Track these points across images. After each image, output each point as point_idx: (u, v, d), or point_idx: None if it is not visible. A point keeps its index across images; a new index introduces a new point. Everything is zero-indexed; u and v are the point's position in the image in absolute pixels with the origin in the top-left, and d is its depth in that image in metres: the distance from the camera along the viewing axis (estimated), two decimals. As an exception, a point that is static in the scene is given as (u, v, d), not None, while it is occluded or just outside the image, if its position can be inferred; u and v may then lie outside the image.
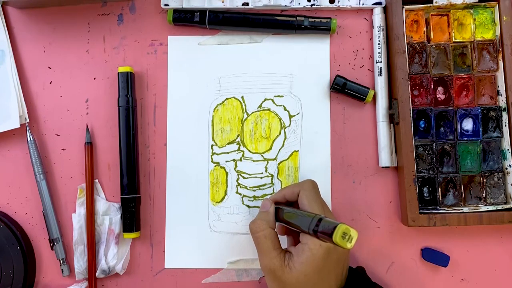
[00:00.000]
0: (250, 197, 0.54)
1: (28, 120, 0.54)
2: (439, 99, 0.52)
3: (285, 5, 0.54)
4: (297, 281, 0.42)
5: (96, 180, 0.54)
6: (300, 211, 0.44)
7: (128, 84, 0.53)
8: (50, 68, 0.55)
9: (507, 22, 0.52)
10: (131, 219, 0.52)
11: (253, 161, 0.54)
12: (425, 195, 0.52)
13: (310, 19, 0.53)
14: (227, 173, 0.54)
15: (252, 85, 0.55)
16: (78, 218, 0.53)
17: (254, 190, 0.54)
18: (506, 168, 0.52)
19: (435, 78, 0.53)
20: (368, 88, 0.53)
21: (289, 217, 0.44)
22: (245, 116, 0.54)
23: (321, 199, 0.46)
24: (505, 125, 0.52)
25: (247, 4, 0.54)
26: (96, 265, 0.52)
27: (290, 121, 0.54)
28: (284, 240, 0.50)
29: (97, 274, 0.52)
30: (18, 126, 0.53)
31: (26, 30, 0.55)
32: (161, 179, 0.54)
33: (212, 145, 0.54)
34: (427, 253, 0.52)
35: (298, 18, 0.53)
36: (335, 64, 0.55)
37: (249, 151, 0.54)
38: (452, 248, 0.53)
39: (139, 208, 0.53)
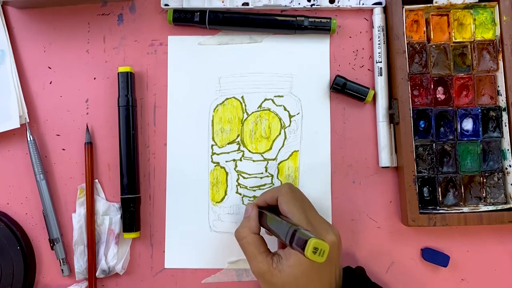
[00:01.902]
0: (250, 197, 0.54)
1: (28, 120, 0.54)
2: (439, 99, 0.53)
3: (285, 5, 0.54)
4: (288, 284, 0.42)
5: (96, 180, 0.54)
6: (279, 218, 0.44)
7: (128, 84, 0.53)
8: (50, 68, 0.55)
9: (507, 22, 0.52)
10: (131, 219, 0.52)
11: (253, 161, 0.54)
12: (425, 195, 0.52)
13: (310, 19, 0.53)
14: (227, 173, 0.54)
15: (252, 85, 0.55)
16: (78, 218, 0.53)
17: (254, 190, 0.54)
18: (506, 168, 0.52)
19: (435, 78, 0.53)
20: (368, 88, 0.53)
21: (270, 224, 0.44)
22: (245, 116, 0.54)
23: (302, 201, 0.46)
24: (505, 125, 0.52)
25: (247, 4, 0.54)
26: (96, 265, 0.52)
27: (290, 121, 0.54)
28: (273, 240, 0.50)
29: (97, 274, 0.52)
30: (18, 126, 0.53)
31: (26, 30, 0.55)
32: (161, 179, 0.54)
33: (212, 145, 0.54)
34: (427, 253, 0.52)
35: (298, 18, 0.53)
36: (335, 64, 0.55)
37: (249, 151, 0.54)
38: (452, 248, 0.53)
39: (139, 208, 0.53)
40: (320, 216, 0.46)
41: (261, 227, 0.47)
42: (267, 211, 0.46)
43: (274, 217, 0.44)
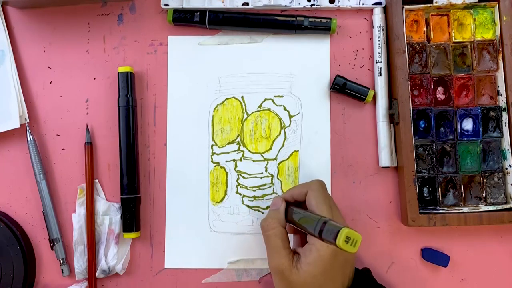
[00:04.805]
0: (250, 197, 0.54)
1: (28, 120, 0.54)
2: (439, 99, 0.53)
3: (285, 5, 0.54)
4: (304, 282, 0.42)
5: (96, 180, 0.54)
6: (307, 212, 0.44)
7: (128, 84, 0.53)
8: (50, 68, 0.55)
9: (507, 22, 0.52)
10: (131, 219, 0.52)
11: (253, 161, 0.54)
12: (425, 195, 0.52)
13: (310, 19, 0.53)
14: (227, 173, 0.54)
15: (252, 85, 0.55)
16: (78, 218, 0.53)
17: (254, 190, 0.54)
18: (506, 168, 0.52)
19: (435, 78, 0.53)
20: (368, 88, 0.53)
21: (297, 217, 0.44)
22: (245, 116, 0.54)
23: (330, 200, 0.46)
24: (505, 125, 0.52)
25: (247, 4, 0.54)
26: (96, 265, 0.52)
27: (290, 121, 0.54)
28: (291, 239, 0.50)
29: (97, 274, 0.52)
30: (18, 126, 0.53)
31: (26, 30, 0.55)
32: (161, 179, 0.54)
33: (212, 145, 0.54)
34: (427, 253, 0.52)
35: (298, 18, 0.53)
36: (335, 64, 0.55)
37: (249, 151, 0.54)
38: (452, 248, 0.53)
39: (139, 208, 0.53)
40: (343, 219, 0.46)
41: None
42: (292, 206, 0.46)
43: (301, 211, 0.44)
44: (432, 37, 0.53)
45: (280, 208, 0.46)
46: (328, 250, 0.42)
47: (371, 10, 0.55)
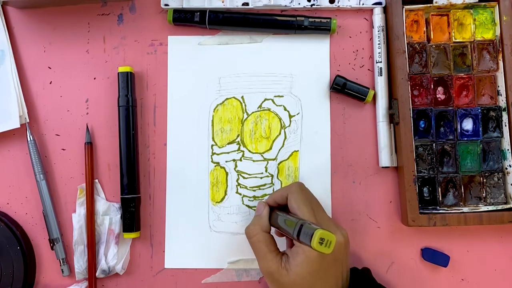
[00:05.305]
0: (250, 197, 0.54)
1: (28, 120, 0.54)
2: (439, 99, 0.53)
3: (285, 5, 0.54)
4: (294, 283, 0.43)
5: (96, 180, 0.54)
6: (288, 215, 0.44)
7: (128, 84, 0.53)
8: (50, 68, 0.55)
9: (507, 22, 0.52)
10: (131, 219, 0.52)
11: (253, 161, 0.54)
12: (425, 195, 0.52)
13: (310, 19, 0.53)
14: (227, 173, 0.54)
15: (252, 85, 0.55)
16: (78, 218, 0.53)
17: (254, 190, 0.54)
18: (506, 168, 0.52)
19: (435, 78, 0.53)
20: (368, 88, 0.53)
21: (280, 221, 0.45)
22: (245, 116, 0.54)
23: (311, 200, 0.46)
24: (505, 125, 0.52)
25: (247, 4, 0.54)
26: (96, 265, 0.52)
27: (290, 121, 0.54)
28: (283, 242, 0.50)
29: (97, 274, 0.52)
30: (18, 126, 0.53)
31: (26, 30, 0.55)
32: (161, 179, 0.54)
33: (212, 145, 0.54)
34: (427, 253, 0.52)
35: (298, 18, 0.53)
36: (335, 64, 0.55)
37: (249, 151, 0.54)
38: (452, 248, 0.53)
39: (139, 208, 0.53)
40: (328, 216, 0.47)
41: (272, 227, 0.47)
42: (277, 210, 0.47)
43: (283, 214, 0.45)
44: (432, 37, 0.53)
45: (262, 213, 0.47)
46: (314, 251, 0.42)
47: (371, 10, 0.55)
